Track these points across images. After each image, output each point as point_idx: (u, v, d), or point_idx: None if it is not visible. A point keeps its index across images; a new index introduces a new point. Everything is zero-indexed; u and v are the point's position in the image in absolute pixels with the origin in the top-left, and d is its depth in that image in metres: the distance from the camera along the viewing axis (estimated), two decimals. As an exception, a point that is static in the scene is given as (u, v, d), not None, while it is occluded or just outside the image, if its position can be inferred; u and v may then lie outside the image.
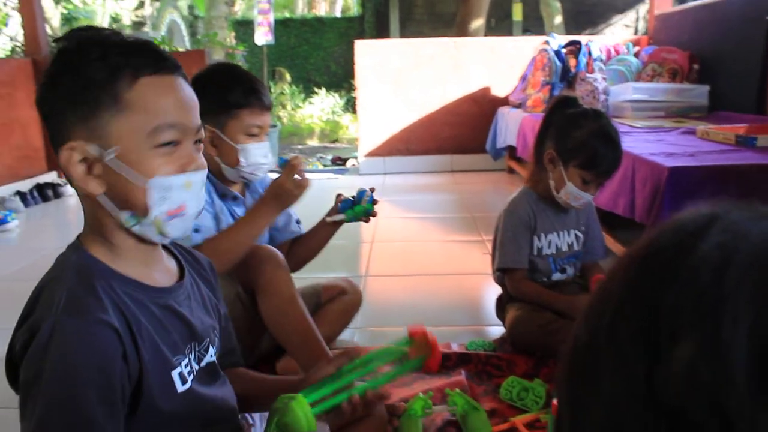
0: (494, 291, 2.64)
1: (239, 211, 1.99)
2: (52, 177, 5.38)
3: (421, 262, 3.28)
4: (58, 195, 5.05)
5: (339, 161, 6.42)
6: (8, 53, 11.56)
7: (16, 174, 5.10)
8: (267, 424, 1.15)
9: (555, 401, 0.93)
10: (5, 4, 12.64)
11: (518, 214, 2.16)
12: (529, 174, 2.26)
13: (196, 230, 1.82)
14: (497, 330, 2.32)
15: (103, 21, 14.74)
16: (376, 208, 2.08)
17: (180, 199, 1.03)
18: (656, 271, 0.38)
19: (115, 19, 15.05)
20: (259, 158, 1.94)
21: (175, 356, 1.07)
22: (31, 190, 4.90)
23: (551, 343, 2.00)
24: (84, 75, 0.97)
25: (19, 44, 11.16)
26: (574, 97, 2.19)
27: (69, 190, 5.12)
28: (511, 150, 5.22)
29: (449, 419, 1.71)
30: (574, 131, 2.04)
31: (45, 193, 4.96)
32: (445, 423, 1.70)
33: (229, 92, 1.90)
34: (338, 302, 2.22)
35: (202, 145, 1.09)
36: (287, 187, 1.81)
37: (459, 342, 2.20)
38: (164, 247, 1.16)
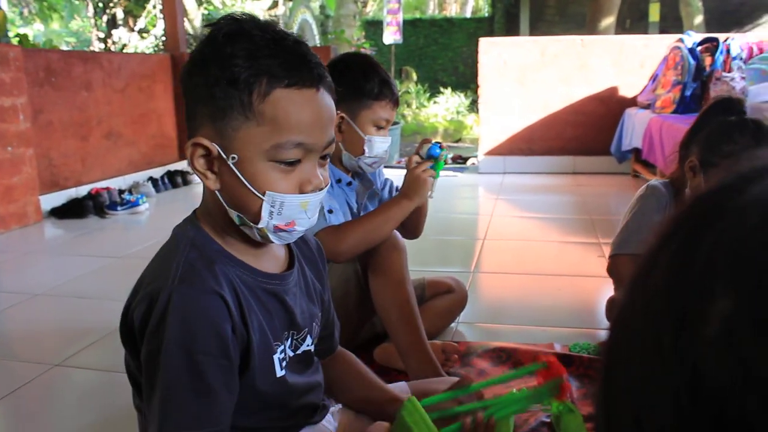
0: (604, 294, 2.53)
1: (352, 197, 2.01)
2: (182, 165, 5.66)
3: (533, 261, 3.20)
4: (186, 182, 5.32)
5: (460, 160, 6.38)
6: (153, 51, 12.30)
7: (150, 161, 5.40)
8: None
9: None
10: (154, 7, 13.47)
11: (656, 199, 2.00)
12: (673, 170, 2.09)
13: (330, 210, 1.85)
14: (604, 334, 2.21)
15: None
16: None
17: (292, 216, 1.01)
18: (700, 213, 0.33)
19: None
20: (381, 151, 1.95)
21: (274, 342, 1.08)
22: (162, 177, 5.18)
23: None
24: (227, 70, 0.95)
25: (162, 44, 11.85)
26: (738, 100, 1.97)
27: (197, 178, 5.36)
28: (636, 153, 5.00)
29: (543, 420, 1.64)
30: (725, 145, 1.84)
31: (175, 180, 5.23)
32: (539, 423, 1.63)
33: (367, 82, 1.90)
34: (443, 299, 2.20)
35: (328, 161, 1.07)
36: (418, 174, 1.83)
37: (563, 343, 2.12)
38: None
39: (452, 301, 2.21)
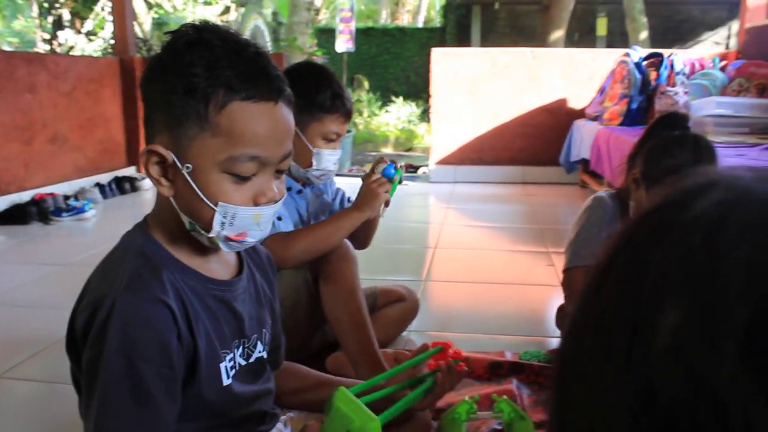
0: (553, 303, 2.57)
1: (302, 206, 1.99)
2: (130, 171, 5.56)
3: (484, 270, 3.23)
4: (135, 188, 5.21)
5: (411, 168, 6.41)
6: (101, 54, 12.06)
7: (97, 167, 5.29)
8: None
9: None
10: (102, 9, 13.22)
11: (602, 210, 2.03)
12: (621, 181, 2.13)
13: (279, 218, 1.84)
14: (553, 342, 2.25)
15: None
16: None
17: (244, 227, 1.01)
18: (648, 228, 0.34)
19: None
20: (330, 165, 1.93)
21: (222, 350, 1.07)
22: (110, 183, 5.07)
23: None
24: (185, 79, 0.94)
25: (111, 47, 11.65)
26: (683, 116, 2.02)
27: (146, 184, 5.28)
28: (585, 164, 5.10)
29: (495, 427, 1.65)
30: (665, 159, 1.89)
31: (123, 186, 5.13)
32: (491, 431, 1.64)
33: (318, 94, 1.87)
34: (394, 308, 2.20)
35: (284, 174, 1.06)
36: (374, 189, 1.82)
37: (514, 351, 2.14)
38: None
39: (404, 309, 2.21)
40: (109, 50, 11.92)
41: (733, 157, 2.78)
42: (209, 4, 14.78)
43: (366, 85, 12.07)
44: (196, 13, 15.39)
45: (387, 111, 11.44)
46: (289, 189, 1.96)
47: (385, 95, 12.27)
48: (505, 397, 1.64)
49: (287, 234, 1.81)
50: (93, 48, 13.05)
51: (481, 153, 5.69)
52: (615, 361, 0.32)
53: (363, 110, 11.28)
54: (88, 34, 13.55)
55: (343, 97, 1.91)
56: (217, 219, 0.98)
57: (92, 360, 0.93)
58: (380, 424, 1.10)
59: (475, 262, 3.39)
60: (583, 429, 0.33)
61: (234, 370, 1.10)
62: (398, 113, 11.23)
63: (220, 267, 1.12)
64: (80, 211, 4.27)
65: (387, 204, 1.88)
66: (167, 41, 0.99)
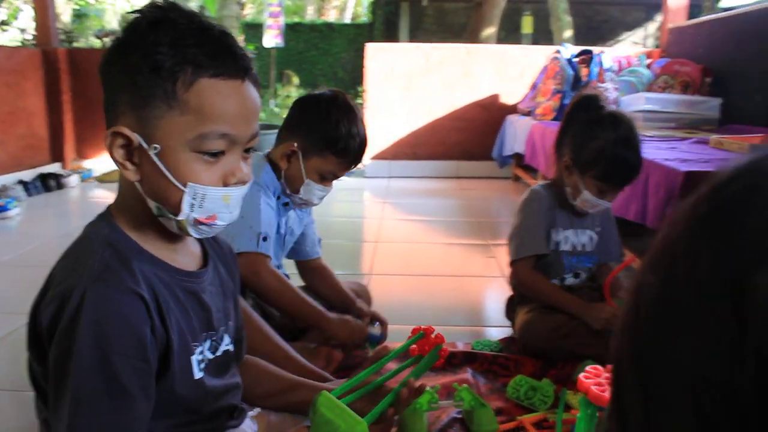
0: (496, 293, 2.61)
1: (283, 219, 1.98)
2: (56, 168, 5.35)
3: (425, 263, 3.25)
4: (60, 186, 5.01)
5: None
6: (20, 45, 11.56)
7: (19, 163, 5.07)
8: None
9: (588, 388, 0.88)
10: (16, -2, 12.66)
11: (539, 202, 2.10)
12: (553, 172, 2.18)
13: (265, 238, 1.82)
14: (498, 332, 2.28)
15: (112, 20, 14.75)
16: None
17: (214, 209, 0.99)
18: (734, 197, 0.35)
19: (125, 19, 15.08)
20: (315, 198, 1.92)
21: (193, 342, 1.05)
22: (34, 180, 4.86)
23: (563, 346, 1.95)
24: (150, 58, 0.91)
25: (28, 38, 11.18)
26: (594, 96, 2.10)
27: (72, 181, 5.09)
28: (518, 158, 5.19)
29: (455, 416, 1.67)
30: (590, 141, 1.96)
31: (48, 183, 4.92)
32: (451, 420, 1.65)
33: (336, 131, 1.83)
34: None
35: (252, 155, 1.04)
36: (338, 336, 1.88)
37: (464, 342, 2.16)
38: None
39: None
40: (28, 41, 11.43)
41: (665, 150, 2.88)
42: (131, -5, 14.36)
43: (295, 80, 11.97)
44: (115, 5, 14.95)
45: (317, 107, 11.36)
46: (278, 198, 1.94)
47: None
48: (465, 385, 1.65)
49: (269, 265, 1.82)
50: (8, 38, 12.48)
51: (416, 148, 5.72)
52: (722, 321, 0.32)
53: (293, 106, 11.17)
54: (2, 23, 12.96)
55: (357, 142, 1.87)
56: (186, 201, 0.96)
57: (61, 356, 0.89)
58: (367, 426, 1.10)
59: (417, 255, 3.41)
60: (682, 395, 0.34)
61: (204, 364, 1.08)
62: (328, 109, 11.16)
63: (186, 258, 1.09)
64: (3, 209, 4.07)
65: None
66: (129, 22, 0.96)
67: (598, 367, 0.98)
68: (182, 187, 0.95)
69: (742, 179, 0.36)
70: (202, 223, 0.99)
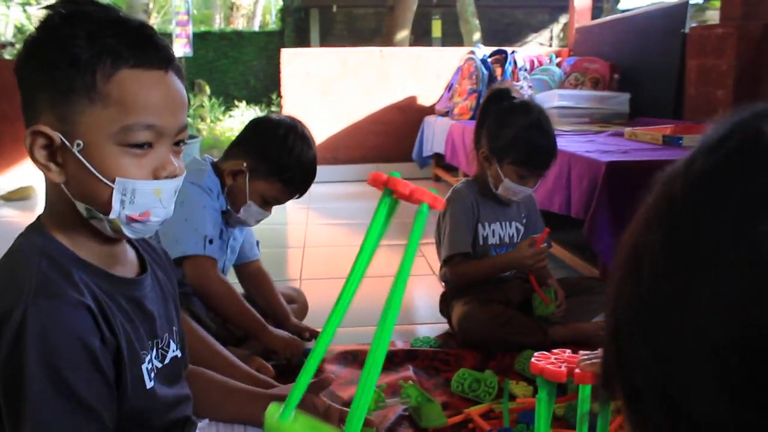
0: (427, 291, 2.63)
1: (227, 233, 1.96)
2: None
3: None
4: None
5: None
6: None
7: None
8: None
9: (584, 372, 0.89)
10: None
11: (462, 201, 2.14)
12: (475, 167, 2.24)
13: (211, 241, 1.79)
14: (432, 328, 2.30)
15: (6, 30, 14.16)
16: None
17: (146, 205, 0.94)
18: (730, 160, 0.36)
19: (19, 29, 14.48)
20: (252, 221, 1.91)
21: (141, 351, 1.00)
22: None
23: (502, 335, 1.98)
24: (67, 52, 0.87)
25: None
26: (506, 89, 2.18)
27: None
28: (437, 158, 5.25)
29: (402, 414, 1.66)
30: (504, 129, 2.04)
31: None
32: (398, 417, 1.64)
33: (289, 159, 1.83)
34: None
35: (183, 147, 1.00)
36: (276, 349, 1.86)
37: (404, 340, 2.16)
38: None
39: (295, 310, 2.19)
40: None
41: (584, 142, 2.97)
42: (28, 4, 13.80)
43: (207, 89, 11.75)
44: (9, 16, 14.37)
45: (231, 116, 11.19)
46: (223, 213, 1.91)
47: (226, 100, 11.98)
48: (411, 382, 1.65)
49: (216, 270, 1.81)
50: None
51: (335, 152, 5.70)
52: (738, 268, 0.32)
53: (206, 116, 10.97)
54: None
55: (306, 175, 1.88)
56: (116, 197, 0.91)
57: (11, 380, 0.84)
58: None
59: (344, 258, 3.39)
60: (701, 349, 0.34)
61: (153, 373, 1.04)
62: (242, 117, 11.01)
63: (124, 266, 1.04)
64: None
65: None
66: (42, 18, 0.92)
67: (544, 352, 0.99)
68: (110, 183, 0.90)
69: (735, 136, 0.37)
70: (135, 221, 0.94)
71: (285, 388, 1.41)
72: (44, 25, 0.91)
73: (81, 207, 0.93)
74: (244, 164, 1.83)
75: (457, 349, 2.05)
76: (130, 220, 0.94)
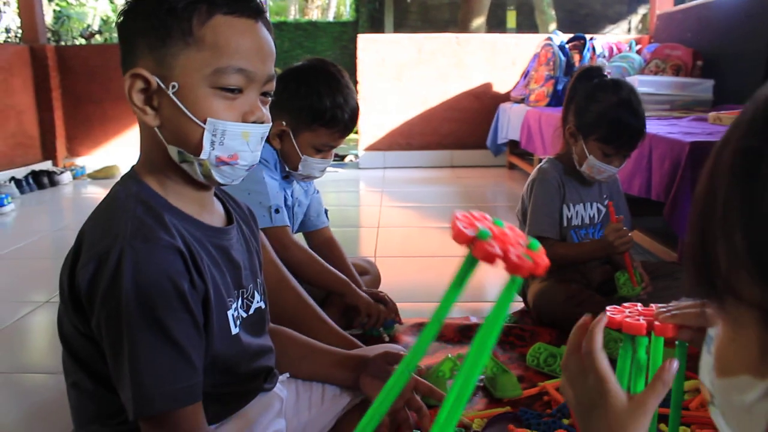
0: (497, 270, 2.61)
1: (289, 191, 1.98)
2: (47, 165, 5.31)
3: (425, 246, 3.27)
4: (54, 183, 4.98)
5: (336, 157, 6.39)
6: (4, 41, 11.45)
7: (11, 161, 5.03)
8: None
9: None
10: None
11: (549, 182, 2.11)
12: (559, 147, 2.21)
13: (277, 210, 1.82)
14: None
15: (94, 22, 14.65)
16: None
17: (235, 147, 0.98)
18: None
19: (105, 21, 14.96)
20: (316, 172, 1.91)
21: (228, 298, 1.04)
22: (26, 177, 4.83)
23: (578, 314, 1.95)
24: (165, 1, 0.93)
25: (11, 36, 11.07)
26: (597, 67, 2.15)
27: (65, 178, 5.06)
28: (512, 146, 5.21)
29: (477, 384, 1.66)
30: (592, 105, 2.01)
31: (41, 180, 4.89)
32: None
33: (320, 103, 1.80)
34: (362, 280, 2.19)
35: (270, 99, 1.04)
36: (361, 305, 1.90)
37: (474, 316, 2.17)
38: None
39: (367, 282, 2.21)
40: (11, 38, 11.30)
41: (667, 126, 2.90)
42: (114, -3, 14.25)
43: (282, 78, 11.96)
44: (97, 8, 14.85)
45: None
46: (285, 178, 1.95)
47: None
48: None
49: (292, 236, 1.85)
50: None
51: (409, 138, 5.73)
52: None
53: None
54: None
55: (345, 109, 1.83)
56: (207, 137, 0.95)
57: (110, 317, 0.89)
58: None
59: (418, 238, 3.43)
60: None
61: (239, 321, 1.08)
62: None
63: (210, 216, 1.09)
64: (-1, 204, 4.04)
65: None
66: None
67: (616, 306, 0.98)
68: (202, 124, 0.95)
69: None
70: (225, 163, 0.98)
71: (367, 350, 1.43)
72: None
73: (173, 151, 0.98)
74: (284, 123, 1.83)
75: (532, 325, 2.05)
76: (220, 161, 0.98)
